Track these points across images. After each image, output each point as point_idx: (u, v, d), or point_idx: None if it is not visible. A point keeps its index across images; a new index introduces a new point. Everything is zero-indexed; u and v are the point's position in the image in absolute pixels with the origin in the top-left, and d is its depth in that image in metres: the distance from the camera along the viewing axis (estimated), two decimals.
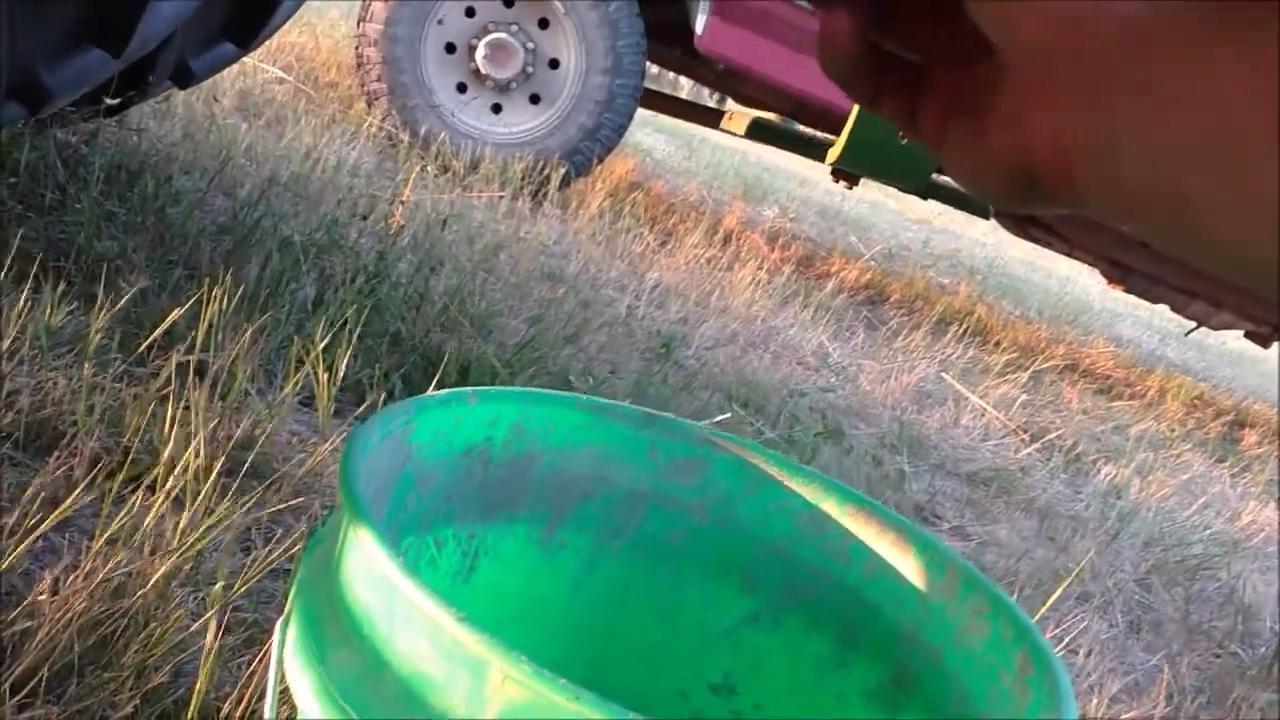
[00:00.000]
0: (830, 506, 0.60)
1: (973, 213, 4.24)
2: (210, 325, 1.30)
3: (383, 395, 1.43)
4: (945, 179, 3.68)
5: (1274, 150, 0.25)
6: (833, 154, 3.51)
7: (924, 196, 3.69)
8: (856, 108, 3.21)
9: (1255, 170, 0.25)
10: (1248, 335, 4.35)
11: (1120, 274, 3.98)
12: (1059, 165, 0.32)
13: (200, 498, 0.94)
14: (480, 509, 0.59)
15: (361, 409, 1.42)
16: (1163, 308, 4.36)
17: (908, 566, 0.58)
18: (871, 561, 0.59)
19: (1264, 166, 0.25)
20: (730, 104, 5.49)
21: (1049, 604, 1.58)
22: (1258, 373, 6.72)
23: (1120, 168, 0.29)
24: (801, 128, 3.92)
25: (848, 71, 0.40)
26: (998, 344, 3.73)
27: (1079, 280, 8.00)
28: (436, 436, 0.55)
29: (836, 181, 4.15)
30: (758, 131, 3.76)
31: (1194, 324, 4.36)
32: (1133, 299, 6.71)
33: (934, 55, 0.40)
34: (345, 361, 1.37)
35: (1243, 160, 0.26)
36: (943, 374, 2.98)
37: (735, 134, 3.90)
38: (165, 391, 1.15)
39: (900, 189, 3.77)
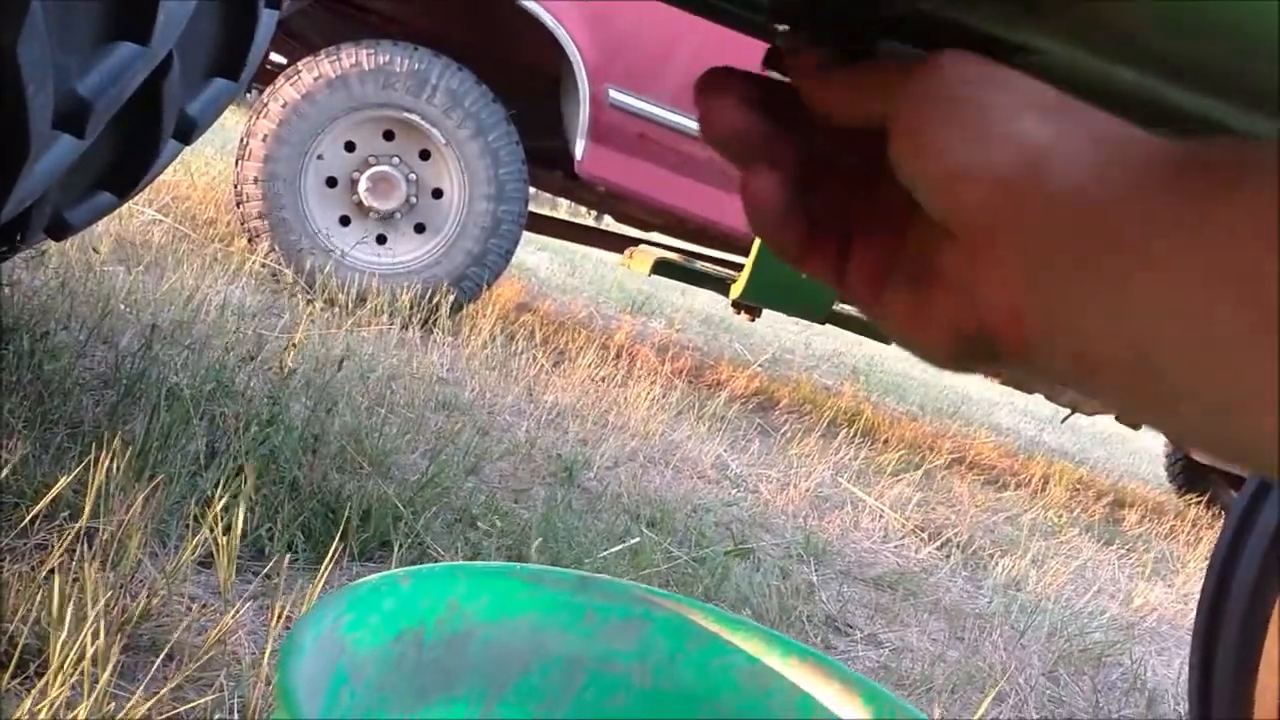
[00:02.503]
0: (774, 660, 0.60)
1: (874, 338, 4.33)
2: (98, 490, 1.24)
3: (286, 555, 1.37)
4: (846, 307, 3.76)
5: (1245, 323, 0.24)
6: (735, 290, 3.60)
7: (823, 322, 3.80)
8: (758, 244, 3.30)
9: (1226, 345, 0.25)
10: (1118, 419, 4.55)
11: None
12: (1013, 331, 0.31)
13: (99, 686, 0.89)
14: (415, 694, 0.57)
15: (266, 568, 1.36)
16: (1038, 396, 4.54)
17: (856, 714, 0.58)
18: (819, 713, 0.58)
19: (1235, 340, 0.25)
20: (607, 220, 5.60)
21: (976, 716, 1.59)
22: (1128, 451, 7.02)
23: (1083, 339, 0.29)
24: (704, 265, 4.01)
25: (773, 230, 0.39)
26: (886, 442, 3.81)
27: (956, 374, 8.27)
28: (369, 625, 0.53)
29: (738, 313, 4.23)
30: (663, 270, 3.83)
31: (1068, 410, 4.55)
32: (1007, 388, 6.98)
33: (864, 217, 0.39)
34: (243, 518, 1.32)
35: (1212, 334, 0.25)
36: (839, 478, 3.03)
37: (640, 272, 3.97)
38: (52, 566, 1.09)
39: (801, 318, 3.88)
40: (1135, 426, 4.64)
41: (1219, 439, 0.27)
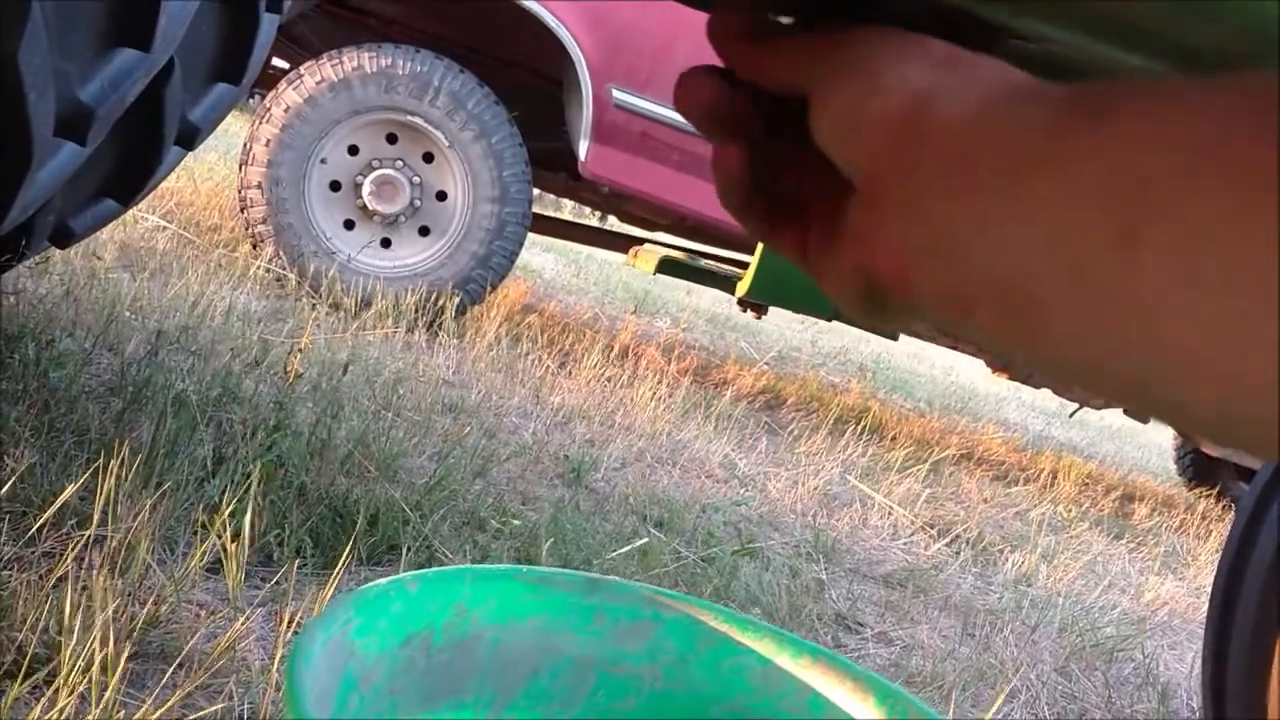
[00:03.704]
0: (785, 660, 0.59)
1: (880, 334, 4.34)
2: (106, 498, 1.24)
3: (295, 561, 1.37)
4: None
5: (1109, 240, 0.24)
6: (741, 288, 3.60)
7: (830, 320, 3.79)
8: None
9: (1091, 264, 0.25)
10: (1126, 412, 4.53)
11: (1004, 362, 4.13)
12: (897, 275, 0.31)
13: (108, 694, 0.88)
14: (424, 698, 0.57)
15: (275, 574, 1.36)
16: (1045, 391, 4.53)
17: (868, 714, 0.57)
18: (831, 712, 0.58)
19: (1100, 258, 0.24)
20: (612, 220, 5.60)
21: (990, 713, 1.58)
22: (1137, 445, 7.00)
23: (957, 273, 0.29)
24: (709, 264, 4.00)
25: (742, 205, 0.41)
26: (894, 439, 3.80)
27: (962, 368, 8.27)
28: (378, 630, 0.53)
29: (744, 311, 4.23)
30: (668, 268, 3.83)
31: (1076, 405, 4.53)
32: (1015, 383, 6.97)
33: (815, 191, 0.40)
34: (251, 524, 1.32)
35: (1078, 255, 0.25)
36: (847, 475, 3.02)
37: (645, 271, 3.97)
38: (61, 574, 1.09)
39: (808, 315, 3.87)
40: (1144, 420, 4.62)
41: (1088, 367, 0.27)
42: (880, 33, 0.35)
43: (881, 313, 0.35)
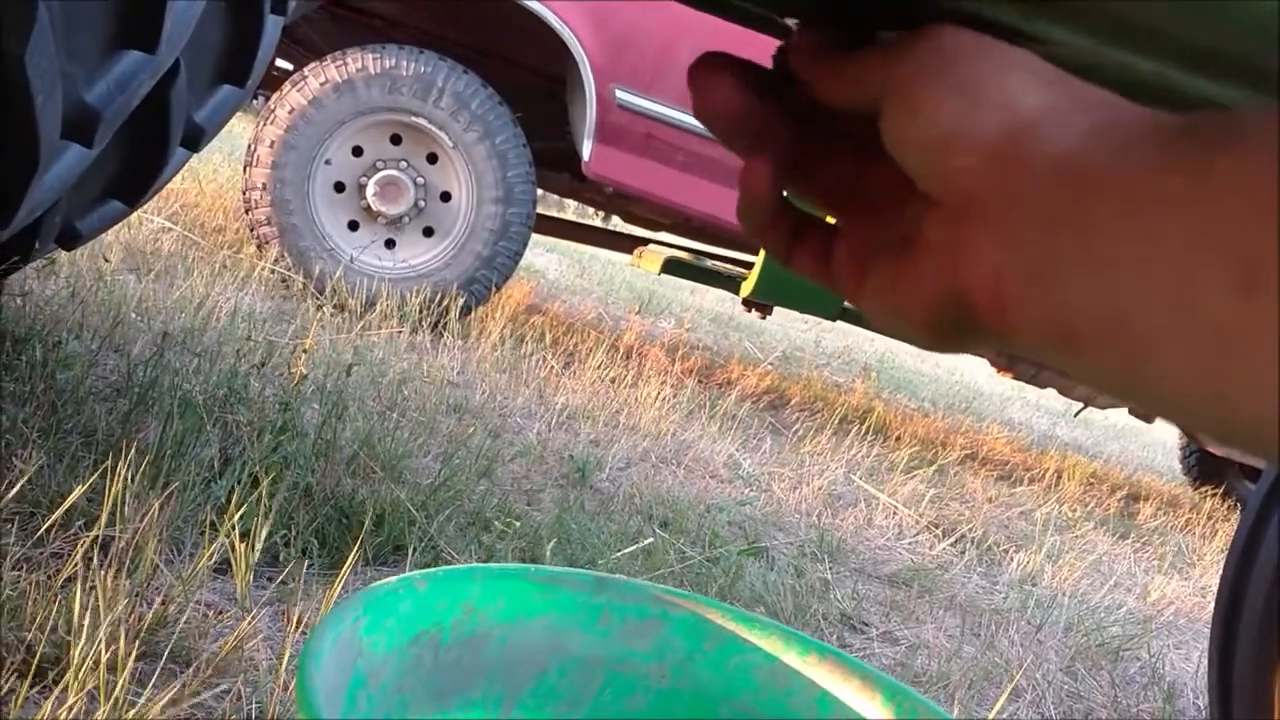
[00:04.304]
0: (792, 658, 0.59)
1: (885, 334, 4.33)
2: (113, 499, 1.24)
3: (302, 561, 1.37)
4: None
5: (1229, 285, 0.24)
6: (746, 288, 3.60)
7: (834, 320, 3.79)
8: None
9: (1208, 307, 0.25)
10: (1131, 412, 4.53)
11: (1008, 361, 4.12)
12: (993, 299, 0.31)
13: (116, 693, 0.89)
14: (433, 696, 0.57)
15: (282, 574, 1.36)
16: (1050, 390, 4.52)
17: (875, 712, 0.57)
18: (839, 710, 0.58)
19: (1218, 302, 0.24)
20: (615, 221, 5.60)
21: (993, 711, 1.58)
22: (1142, 444, 7.00)
23: (1061, 304, 0.28)
24: (714, 264, 4.00)
25: (762, 223, 0.39)
26: (899, 439, 3.80)
27: (966, 368, 8.27)
28: (387, 628, 0.53)
29: (749, 311, 4.23)
30: (673, 268, 3.83)
31: (1080, 404, 4.53)
32: (1020, 382, 6.96)
33: (846, 205, 0.40)
34: (258, 523, 1.32)
35: (1195, 297, 0.25)
36: (851, 475, 3.02)
37: (649, 271, 3.97)
38: (69, 575, 1.09)
39: (812, 315, 3.87)
40: (1149, 420, 4.61)
41: (1197, 411, 0.26)
42: (961, 34, 0.34)
43: (959, 337, 0.34)
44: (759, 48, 0.45)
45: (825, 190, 0.40)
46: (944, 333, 0.34)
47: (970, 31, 0.34)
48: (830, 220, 0.41)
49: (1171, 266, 0.26)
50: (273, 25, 1.68)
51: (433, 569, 0.56)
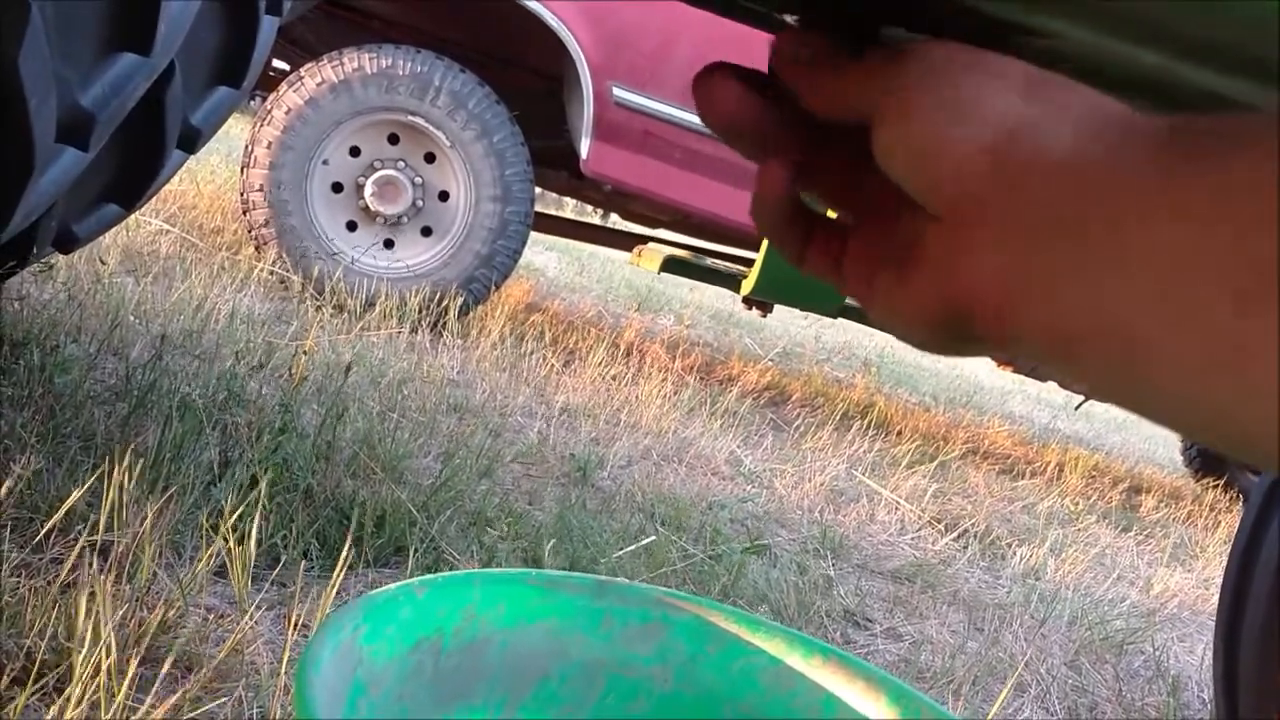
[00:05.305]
0: (796, 660, 0.59)
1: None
2: (112, 503, 1.24)
3: (301, 563, 1.37)
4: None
5: (1228, 297, 0.24)
6: (746, 286, 3.59)
7: (835, 317, 3.79)
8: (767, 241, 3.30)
9: (1208, 318, 0.25)
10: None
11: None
12: (994, 308, 0.31)
13: (118, 699, 0.88)
14: (434, 703, 0.57)
15: (282, 577, 1.36)
16: (1051, 384, 4.52)
17: (880, 714, 0.57)
18: (844, 712, 0.58)
19: (1217, 314, 0.24)
20: (614, 218, 5.60)
21: (996, 706, 1.57)
22: (1143, 437, 6.99)
23: (1060, 310, 0.28)
24: (714, 262, 3.99)
25: (778, 225, 0.40)
26: (900, 434, 3.80)
27: (967, 363, 8.26)
28: (387, 635, 0.53)
29: (749, 309, 4.22)
30: (672, 267, 3.82)
31: (1081, 398, 4.52)
32: (1021, 376, 6.95)
33: (857, 209, 0.40)
34: (257, 527, 1.32)
35: (1193, 308, 0.25)
36: (853, 471, 3.02)
37: (649, 270, 3.96)
38: (68, 580, 1.09)
39: (813, 313, 3.86)
40: None
41: (1196, 422, 0.26)
42: (951, 49, 0.34)
43: (961, 344, 0.34)
44: (759, 47, 0.44)
45: (836, 192, 0.40)
46: (946, 340, 0.34)
47: (959, 45, 0.34)
48: (840, 222, 0.41)
49: (1169, 276, 0.25)
50: (268, 26, 1.68)
51: (432, 575, 0.56)
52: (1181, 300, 0.25)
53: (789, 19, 0.44)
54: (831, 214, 0.42)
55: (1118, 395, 0.29)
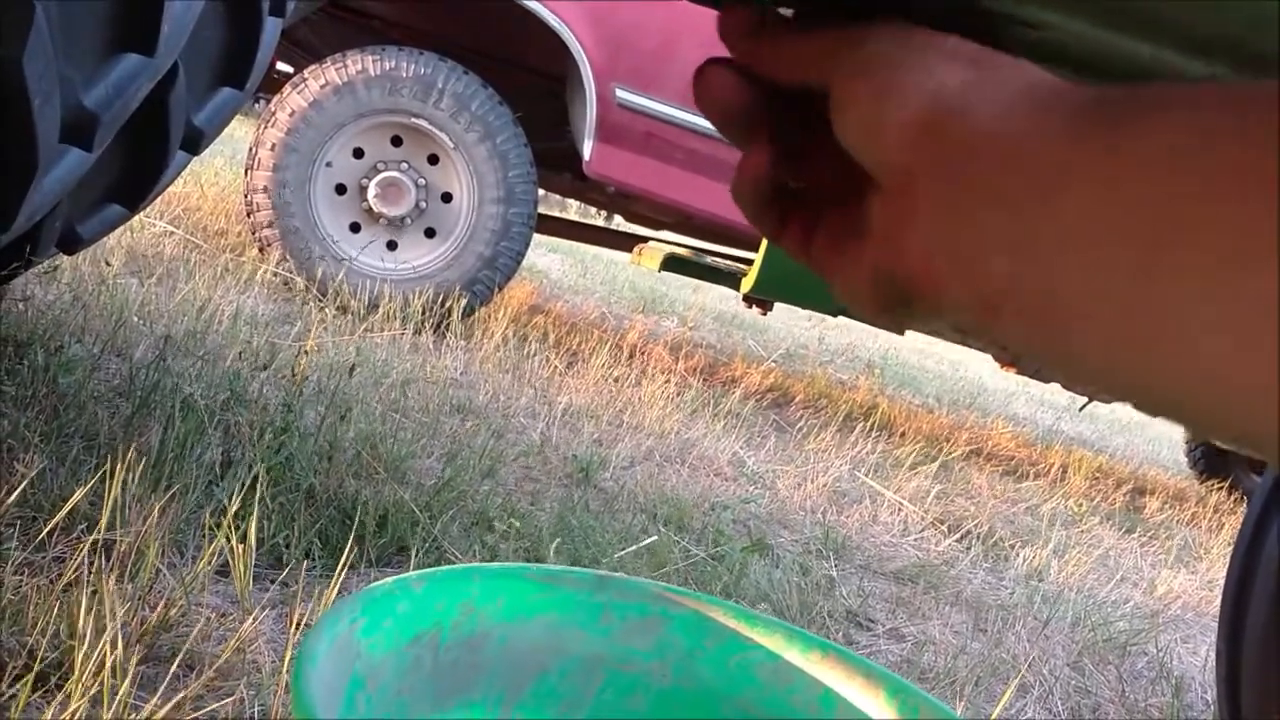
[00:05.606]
0: (794, 655, 0.59)
1: (886, 329, 4.34)
2: (115, 502, 1.24)
3: (304, 563, 1.37)
4: None
5: (1133, 265, 0.24)
6: (746, 284, 3.60)
7: (837, 316, 3.79)
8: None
9: (1122, 283, 0.25)
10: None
11: (1011, 357, 4.11)
12: (924, 278, 0.32)
13: (119, 697, 0.89)
14: (432, 697, 0.57)
15: (284, 576, 1.36)
16: (1054, 385, 4.52)
17: (880, 710, 0.57)
18: (842, 708, 0.58)
19: (1132, 280, 0.25)
20: (618, 220, 5.60)
21: (999, 707, 1.57)
22: (1147, 438, 6.98)
23: (985, 279, 0.29)
24: (714, 260, 4.00)
25: (758, 206, 0.41)
26: (903, 435, 3.79)
27: (970, 363, 8.25)
28: (385, 629, 0.53)
29: (749, 307, 4.22)
30: (673, 265, 3.82)
31: (1086, 399, 4.52)
32: (1024, 378, 6.94)
33: (830, 188, 0.41)
34: (259, 526, 1.32)
35: (1103, 276, 0.25)
36: (856, 472, 3.02)
37: (650, 269, 3.96)
38: (71, 579, 1.09)
39: (814, 311, 3.86)
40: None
41: (1118, 387, 0.27)
42: (898, 29, 0.35)
43: (900, 313, 0.35)
44: None
45: (813, 175, 0.41)
46: (889, 310, 0.35)
47: (916, 27, 0.35)
48: (815, 203, 0.42)
49: (1077, 244, 0.26)
50: (272, 27, 1.68)
51: (431, 569, 0.56)
52: (1095, 267, 0.25)
53: (786, 13, 0.45)
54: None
55: (1044, 361, 0.29)
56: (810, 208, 0.41)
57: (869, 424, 3.66)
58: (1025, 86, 0.31)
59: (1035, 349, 0.29)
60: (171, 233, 3.33)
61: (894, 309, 0.35)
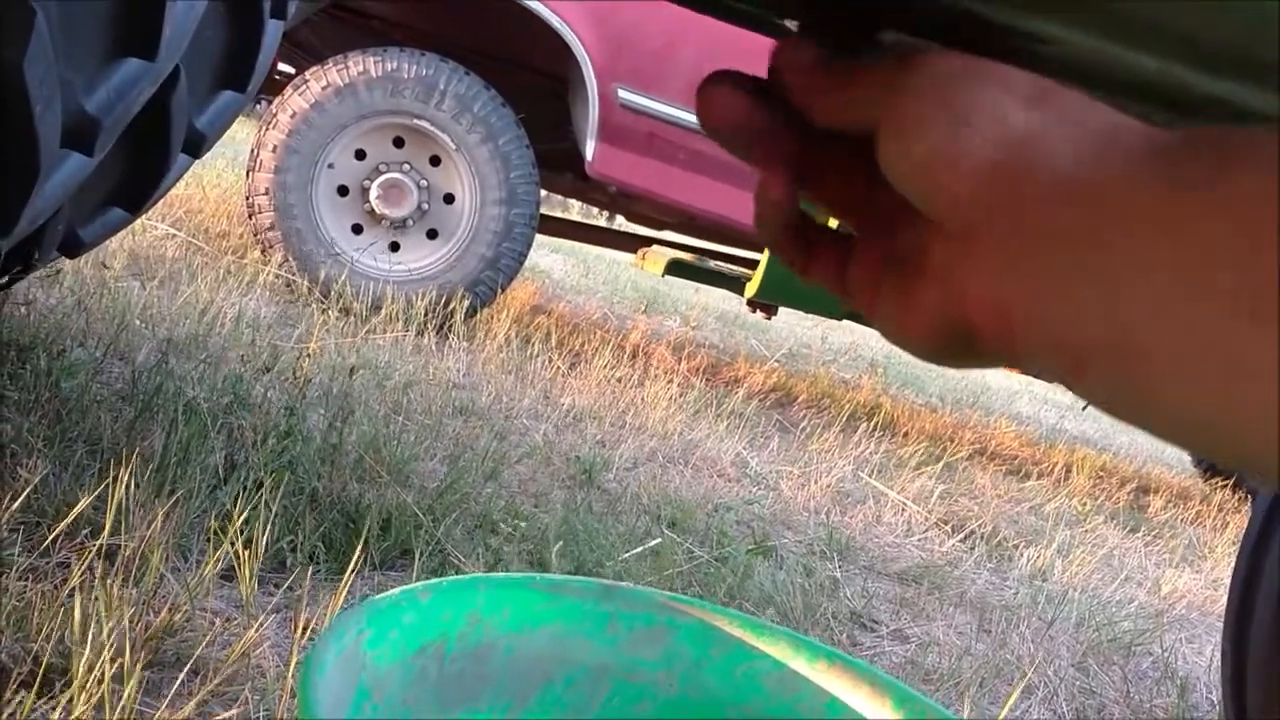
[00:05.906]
0: (800, 664, 0.59)
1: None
2: (118, 507, 1.24)
3: (308, 567, 1.37)
4: None
5: (1233, 311, 0.24)
6: (750, 288, 3.59)
7: (841, 320, 3.78)
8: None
9: (1214, 333, 0.24)
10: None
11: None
12: (998, 323, 0.31)
13: (123, 702, 0.88)
14: (438, 708, 0.56)
15: (289, 580, 1.36)
16: (1057, 384, 4.51)
17: (886, 718, 0.57)
18: (848, 717, 0.57)
19: (1223, 328, 0.24)
20: (620, 220, 5.60)
21: (1005, 708, 1.57)
22: (1151, 437, 6.95)
23: (1062, 325, 0.28)
24: (717, 264, 3.99)
25: (781, 237, 0.39)
26: (907, 435, 3.79)
27: None
28: (390, 640, 0.53)
29: (754, 311, 4.21)
30: (676, 270, 3.82)
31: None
32: (1028, 377, 6.94)
33: (860, 217, 0.39)
34: (263, 530, 1.32)
35: (1200, 323, 0.25)
36: (859, 472, 3.01)
37: (653, 273, 3.96)
38: (75, 584, 1.09)
39: (817, 316, 3.86)
40: None
41: (1203, 438, 0.26)
42: (955, 59, 0.34)
43: (960, 357, 0.34)
44: (764, 49, 0.44)
45: (839, 201, 0.40)
46: (951, 353, 0.34)
47: (963, 54, 0.34)
48: (843, 231, 0.41)
49: (1169, 290, 0.25)
50: (273, 29, 1.68)
51: (436, 580, 0.56)
52: (1181, 314, 0.25)
53: (790, 24, 0.44)
54: (833, 223, 0.42)
55: (1122, 410, 0.28)
56: (837, 237, 0.40)
57: (872, 424, 3.66)
58: (1106, 128, 0.30)
59: (1114, 396, 0.28)
60: (173, 235, 3.33)
61: (959, 353, 0.34)
